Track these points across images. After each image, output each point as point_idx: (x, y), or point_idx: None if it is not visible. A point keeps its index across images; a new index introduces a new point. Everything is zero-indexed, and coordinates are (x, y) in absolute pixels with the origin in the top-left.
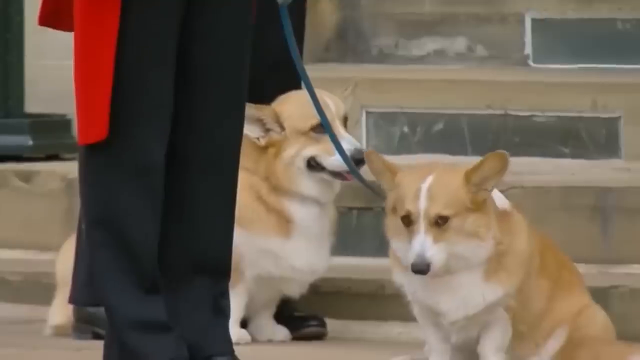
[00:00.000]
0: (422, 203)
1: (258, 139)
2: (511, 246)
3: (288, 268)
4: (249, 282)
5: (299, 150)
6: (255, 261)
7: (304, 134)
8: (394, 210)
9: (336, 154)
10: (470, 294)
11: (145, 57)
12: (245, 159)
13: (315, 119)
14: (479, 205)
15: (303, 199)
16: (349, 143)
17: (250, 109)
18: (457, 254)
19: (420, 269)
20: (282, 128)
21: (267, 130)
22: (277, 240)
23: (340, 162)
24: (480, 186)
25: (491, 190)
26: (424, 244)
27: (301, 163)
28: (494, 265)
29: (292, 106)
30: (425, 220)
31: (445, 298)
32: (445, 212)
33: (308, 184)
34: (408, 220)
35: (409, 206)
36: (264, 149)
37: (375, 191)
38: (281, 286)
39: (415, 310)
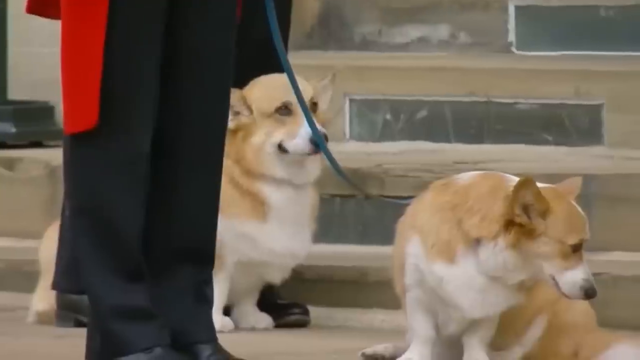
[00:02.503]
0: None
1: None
2: None
3: (267, 252)
4: (230, 268)
5: (267, 136)
6: (234, 246)
7: (269, 116)
8: (546, 234)
9: (297, 137)
10: (497, 298)
11: (134, 44)
12: None
13: (279, 101)
14: None
15: (276, 181)
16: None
17: None
18: None
19: (595, 293)
20: (250, 111)
21: (236, 114)
22: (254, 223)
23: (301, 146)
24: None
25: None
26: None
27: (271, 149)
28: None
29: (260, 89)
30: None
31: (473, 296)
32: None
33: (279, 167)
34: (578, 248)
35: (585, 233)
36: (234, 132)
37: (342, 172)
38: (262, 272)
39: (412, 296)
